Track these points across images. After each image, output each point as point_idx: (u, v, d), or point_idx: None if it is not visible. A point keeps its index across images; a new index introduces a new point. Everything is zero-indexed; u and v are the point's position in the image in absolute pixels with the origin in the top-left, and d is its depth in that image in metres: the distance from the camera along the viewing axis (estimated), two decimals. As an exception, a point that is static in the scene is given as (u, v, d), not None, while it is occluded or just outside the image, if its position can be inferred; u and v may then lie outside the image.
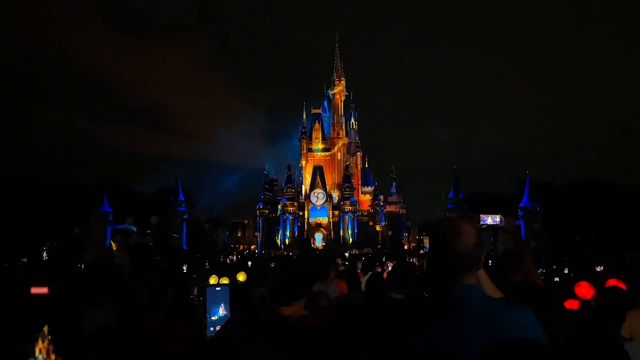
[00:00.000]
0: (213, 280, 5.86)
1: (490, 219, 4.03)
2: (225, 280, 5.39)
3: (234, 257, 38.68)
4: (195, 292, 4.12)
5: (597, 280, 4.57)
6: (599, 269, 11.60)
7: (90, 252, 33.52)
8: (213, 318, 2.16)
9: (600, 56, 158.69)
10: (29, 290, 2.16)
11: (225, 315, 2.41)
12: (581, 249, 40.15)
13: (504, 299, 2.00)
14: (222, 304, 2.37)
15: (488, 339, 1.78)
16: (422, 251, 52.79)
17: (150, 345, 2.56)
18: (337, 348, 3.27)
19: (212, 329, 2.17)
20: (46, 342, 2.08)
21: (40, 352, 2.07)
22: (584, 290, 4.33)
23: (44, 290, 2.17)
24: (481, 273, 2.09)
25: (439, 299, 1.99)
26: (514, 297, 2.55)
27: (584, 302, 4.28)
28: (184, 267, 10.98)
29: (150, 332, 2.64)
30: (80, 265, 20.50)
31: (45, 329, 2.07)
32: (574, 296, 4.34)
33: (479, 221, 3.98)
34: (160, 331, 2.68)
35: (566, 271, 13.20)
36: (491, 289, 2.25)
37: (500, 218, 4.04)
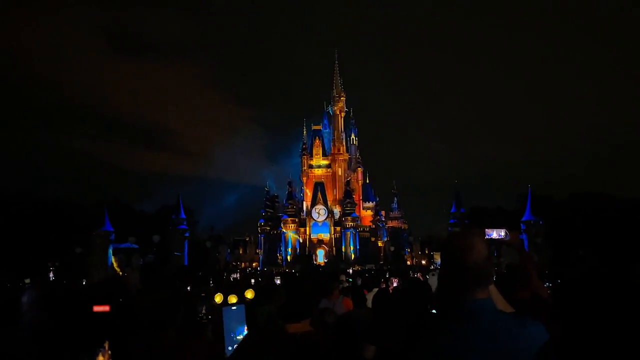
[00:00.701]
0: (218, 298, 5.87)
1: (495, 234, 4.04)
2: (233, 298, 5.39)
3: (237, 275, 38.54)
4: (204, 311, 4.13)
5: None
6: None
7: (98, 272, 33.37)
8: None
9: (599, 68, 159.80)
10: (92, 308, 2.27)
11: None
12: (584, 262, 39.98)
13: (517, 314, 2.01)
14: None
15: (502, 354, 1.79)
16: (432, 267, 52.35)
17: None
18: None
19: (230, 347, 2.19)
20: (106, 357, 2.16)
21: None
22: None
23: (105, 308, 2.27)
24: (492, 288, 2.12)
25: (450, 313, 2.01)
26: (523, 312, 2.57)
27: None
28: (188, 287, 10.94)
29: (166, 349, 2.66)
30: (84, 285, 20.44)
31: (106, 344, 2.15)
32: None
33: (485, 235, 3.99)
34: (176, 349, 2.70)
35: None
36: (502, 304, 2.27)
37: (505, 232, 4.06)
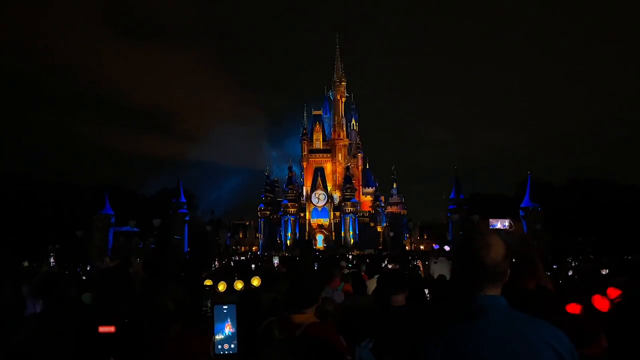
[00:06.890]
0: (222, 287, 5.87)
1: (499, 224, 4.03)
2: (239, 284, 5.39)
3: (238, 258, 38.62)
4: (209, 305, 4.06)
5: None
6: (604, 271, 11.58)
7: (99, 256, 33.38)
8: (218, 337, 2.11)
9: (602, 54, 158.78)
10: (97, 329, 2.28)
11: (232, 334, 2.37)
12: (583, 249, 40.07)
13: (530, 315, 1.98)
14: (229, 321, 2.31)
15: (512, 351, 1.77)
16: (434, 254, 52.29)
17: (169, 357, 2.57)
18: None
19: (219, 346, 2.16)
20: None
21: None
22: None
23: (111, 329, 2.29)
24: None
25: (461, 306, 1.99)
26: (528, 304, 2.56)
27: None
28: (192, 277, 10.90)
29: (171, 344, 2.65)
30: (85, 270, 20.49)
31: None
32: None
33: (488, 226, 3.98)
34: (179, 343, 2.69)
35: (570, 273, 13.18)
36: None
37: (509, 223, 4.04)
